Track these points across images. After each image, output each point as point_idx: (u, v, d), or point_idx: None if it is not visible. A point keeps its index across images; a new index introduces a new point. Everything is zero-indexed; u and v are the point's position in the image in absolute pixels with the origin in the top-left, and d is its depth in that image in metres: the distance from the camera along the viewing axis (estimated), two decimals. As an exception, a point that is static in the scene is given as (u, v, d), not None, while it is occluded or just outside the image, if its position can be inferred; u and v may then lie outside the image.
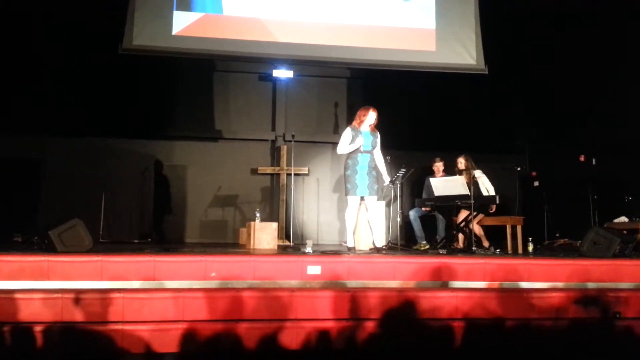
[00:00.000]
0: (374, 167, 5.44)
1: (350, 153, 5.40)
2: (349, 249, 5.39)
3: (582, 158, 7.04)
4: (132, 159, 7.44)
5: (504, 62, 7.40)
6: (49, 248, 4.39)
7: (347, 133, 5.43)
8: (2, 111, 6.77)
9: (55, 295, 3.62)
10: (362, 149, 5.37)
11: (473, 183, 5.78)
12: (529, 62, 7.76)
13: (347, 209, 5.45)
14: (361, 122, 5.42)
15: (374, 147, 5.46)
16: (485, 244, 6.11)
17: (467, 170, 6.07)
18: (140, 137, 7.54)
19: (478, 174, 6.09)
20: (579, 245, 5.28)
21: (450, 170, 6.55)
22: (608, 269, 4.55)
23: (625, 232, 5.57)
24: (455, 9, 7.25)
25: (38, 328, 3.45)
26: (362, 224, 5.59)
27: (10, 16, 6.79)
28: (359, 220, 5.53)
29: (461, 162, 6.18)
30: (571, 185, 7.20)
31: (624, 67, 6.93)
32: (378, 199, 5.56)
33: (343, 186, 5.62)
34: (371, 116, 5.42)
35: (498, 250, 5.69)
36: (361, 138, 5.35)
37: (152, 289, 3.95)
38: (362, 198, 5.42)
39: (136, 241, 6.91)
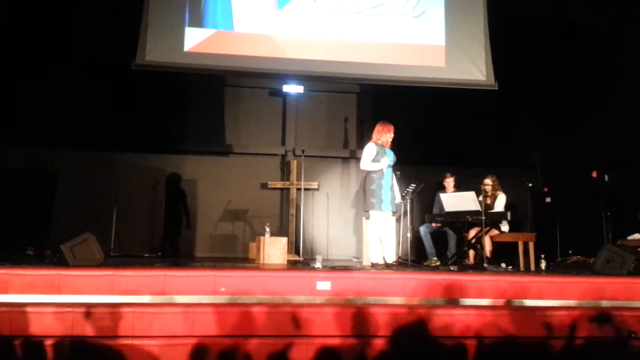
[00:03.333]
0: (393, 183, 5.48)
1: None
2: (373, 265, 5.34)
3: (594, 174, 6.98)
4: (144, 173, 7.50)
5: (514, 76, 7.40)
6: (61, 262, 4.42)
7: (372, 148, 5.41)
8: (16, 123, 6.86)
9: (66, 309, 3.63)
10: (388, 163, 5.40)
11: (492, 202, 5.79)
12: (540, 76, 7.75)
13: (370, 224, 5.43)
14: (387, 141, 5.46)
15: (394, 162, 5.50)
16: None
17: (494, 192, 6.13)
18: (152, 151, 7.60)
19: (500, 196, 6.18)
20: (592, 263, 5.22)
21: (462, 185, 6.52)
22: (622, 287, 4.49)
23: (639, 249, 5.49)
24: (464, 25, 7.29)
25: (49, 342, 3.46)
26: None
27: (25, 29, 6.92)
28: (373, 235, 5.50)
29: (489, 184, 6.16)
30: (584, 202, 7.13)
31: (637, 81, 6.90)
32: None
33: (363, 201, 5.58)
34: (392, 134, 5.51)
35: (510, 267, 5.63)
36: (387, 157, 5.39)
37: (162, 303, 3.95)
38: None
39: (147, 255, 6.93)
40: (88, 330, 3.57)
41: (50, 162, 7.23)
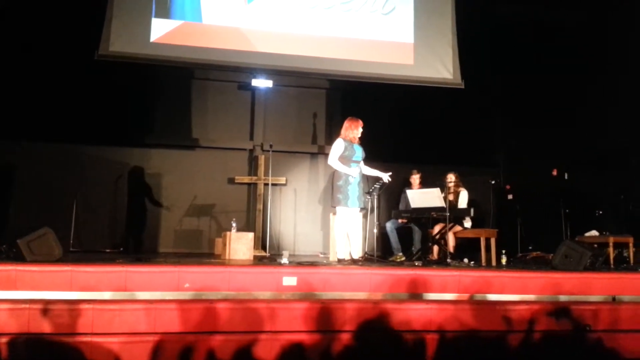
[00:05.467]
0: (361, 179, 5.48)
1: (342, 163, 5.40)
2: (340, 260, 5.35)
3: (554, 172, 7.19)
4: (106, 166, 7.30)
5: (481, 75, 7.54)
6: (18, 257, 4.28)
7: (340, 145, 5.41)
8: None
9: (23, 305, 3.51)
10: (354, 159, 5.39)
11: (455, 199, 5.87)
12: (506, 76, 7.93)
13: (337, 220, 5.43)
14: (355, 137, 5.45)
15: (363, 158, 5.50)
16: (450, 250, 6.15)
17: (457, 188, 6.22)
18: (115, 144, 7.40)
19: (463, 193, 6.28)
20: (551, 259, 5.37)
21: (428, 182, 6.61)
22: (579, 282, 4.63)
23: (595, 245, 5.69)
24: (433, 24, 7.37)
25: (3, 340, 3.34)
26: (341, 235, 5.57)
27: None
28: (339, 231, 5.51)
29: (452, 180, 6.26)
30: (544, 199, 7.34)
31: (600, 84, 7.14)
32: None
33: (331, 196, 5.60)
34: (360, 129, 5.49)
35: (472, 262, 5.75)
36: (357, 165, 5.40)
37: (124, 300, 3.86)
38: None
39: (108, 251, 6.77)
40: (45, 327, 3.46)
41: (8, 154, 6.96)
